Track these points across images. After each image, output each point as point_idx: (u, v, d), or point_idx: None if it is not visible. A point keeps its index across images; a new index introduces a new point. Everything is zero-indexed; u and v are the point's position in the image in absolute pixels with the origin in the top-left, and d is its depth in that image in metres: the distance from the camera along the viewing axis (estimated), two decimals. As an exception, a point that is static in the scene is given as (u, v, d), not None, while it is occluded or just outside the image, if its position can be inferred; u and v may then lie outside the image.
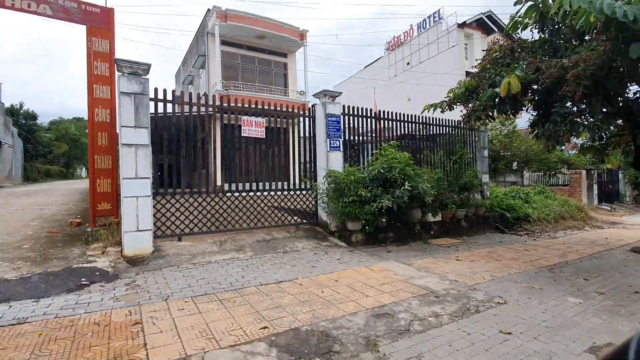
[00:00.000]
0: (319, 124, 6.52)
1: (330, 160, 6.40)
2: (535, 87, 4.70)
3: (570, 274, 4.48)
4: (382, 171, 5.80)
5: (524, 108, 5.06)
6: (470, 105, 5.17)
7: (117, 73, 4.91)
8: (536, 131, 4.94)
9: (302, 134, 6.66)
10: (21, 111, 28.62)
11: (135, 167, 4.70)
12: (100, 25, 5.63)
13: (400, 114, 7.46)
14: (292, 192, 6.31)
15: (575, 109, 4.74)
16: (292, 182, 6.31)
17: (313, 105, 6.64)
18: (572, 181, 15.84)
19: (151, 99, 5.04)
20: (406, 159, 6.10)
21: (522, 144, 16.23)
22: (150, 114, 4.89)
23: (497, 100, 4.78)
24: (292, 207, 6.37)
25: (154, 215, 5.04)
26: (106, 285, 3.69)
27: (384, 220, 5.92)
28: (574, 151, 16.44)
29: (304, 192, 6.46)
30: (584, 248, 6.24)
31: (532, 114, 5.29)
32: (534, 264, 4.98)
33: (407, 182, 5.82)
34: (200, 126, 5.60)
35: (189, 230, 5.35)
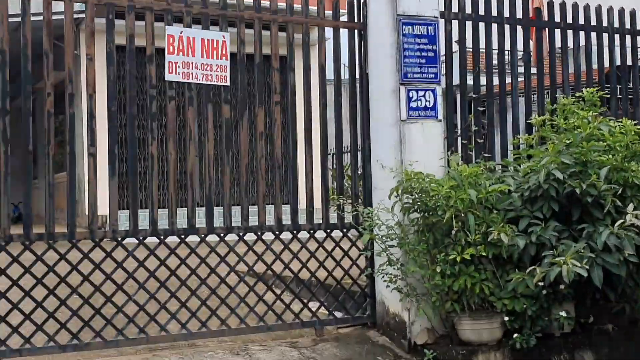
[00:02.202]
0: (376, 44, 5.85)
1: (410, 145, 5.55)
2: None
3: None
4: (562, 177, 5.04)
5: None
6: None
7: None
8: None
9: (326, 79, 5.99)
10: None
11: None
12: None
13: (612, 11, 7.08)
14: (304, 234, 5.69)
15: None
16: (302, 208, 5.70)
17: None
18: None
19: None
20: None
21: None
22: None
23: None
24: (301, 275, 5.71)
25: None
26: None
27: (563, 315, 5.15)
28: None
29: (334, 233, 5.79)
30: None
31: None
32: None
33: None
34: (48, 56, 4.95)
35: (25, 341, 4.78)
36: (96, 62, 5.03)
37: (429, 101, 5.59)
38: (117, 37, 5.00)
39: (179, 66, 5.04)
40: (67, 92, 4.83)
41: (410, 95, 5.50)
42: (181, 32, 5.08)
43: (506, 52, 6.36)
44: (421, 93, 5.57)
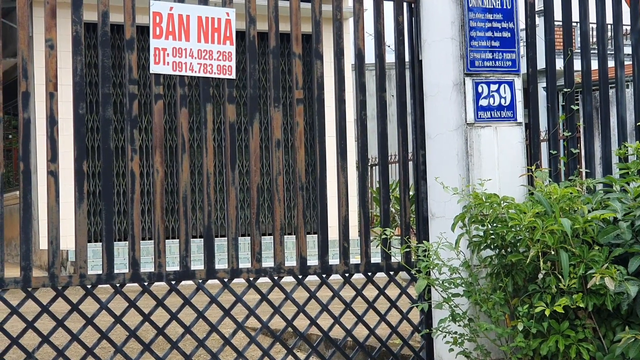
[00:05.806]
0: (432, 21, 5.72)
1: (480, 157, 5.53)
2: None
3: None
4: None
5: None
6: None
7: None
8: None
9: (365, 67, 6.14)
10: None
11: None
12: None
13: None
14: (336, 278, 5.66)
15: None
16: (332, 239, 5.71)
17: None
18: None
19: None
20: None
21: None
22: None
23: None
24: (333, 333, 5.64)
25: None
26: None
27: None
28: None
29: (377, 276, 5.76)
30: None
31: None
32: None
33: None
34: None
35: None
36: (58, 49, 4.63)
37: (505, 98, 5.30)
38: (85, 15, 4.69)
39: (168, 54, 4.80)
40: (20, 89, 4.51)
41: (479, 90, 5.21)
42: (171, 8, 4.79)
43: (608, 28, 5.99)
44: (494, 87, 5.28)
